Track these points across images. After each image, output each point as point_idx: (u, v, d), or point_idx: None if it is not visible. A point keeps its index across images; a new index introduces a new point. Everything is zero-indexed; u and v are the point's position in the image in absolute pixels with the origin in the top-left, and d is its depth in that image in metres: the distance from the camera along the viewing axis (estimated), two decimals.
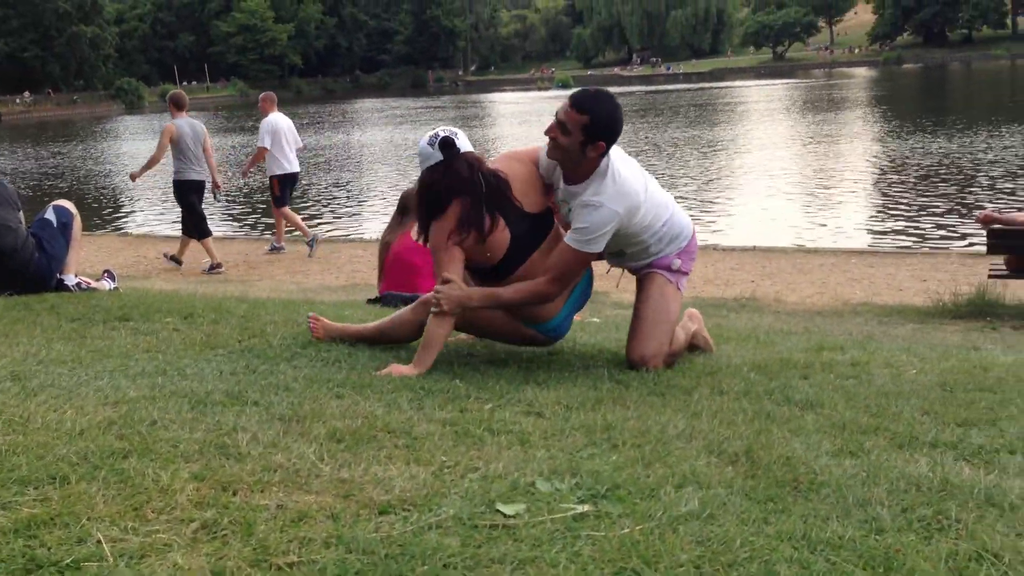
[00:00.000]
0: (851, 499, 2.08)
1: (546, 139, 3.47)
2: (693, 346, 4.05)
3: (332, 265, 10.88)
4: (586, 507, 1.95)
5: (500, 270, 3.50)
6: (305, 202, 17.73)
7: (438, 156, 3.44)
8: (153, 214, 17.52)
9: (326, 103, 70.24)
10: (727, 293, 8.69)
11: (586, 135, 3.33)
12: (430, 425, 2.61)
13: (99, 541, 1.67)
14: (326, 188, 19.76)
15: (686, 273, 3.78)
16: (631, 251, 3.68)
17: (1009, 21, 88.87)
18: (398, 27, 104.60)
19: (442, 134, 3.47)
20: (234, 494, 1.95)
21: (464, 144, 3.48)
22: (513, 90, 78.37)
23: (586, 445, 2.49)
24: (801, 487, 2.17)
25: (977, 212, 8.51)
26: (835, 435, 2.73)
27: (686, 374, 3.57)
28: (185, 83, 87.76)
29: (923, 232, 12.33)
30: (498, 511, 1.90)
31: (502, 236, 3.44)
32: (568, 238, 3.45)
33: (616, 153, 3.48)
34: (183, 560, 1.60)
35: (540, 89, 75.53)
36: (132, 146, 35.49)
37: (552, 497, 2.01)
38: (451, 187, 3.40)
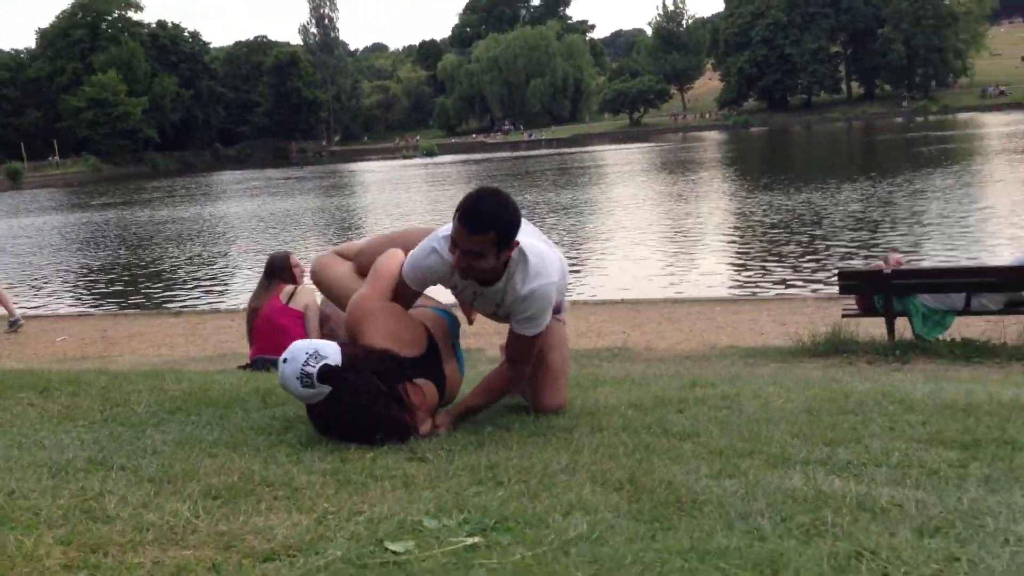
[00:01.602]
0: (733, 513, 2.13)
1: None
2: None
3: (198, 336, 10.54)
4: (476, 539, 1.93)
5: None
6: (166, 275, 17.17)
7: (324, 390, 2.96)
8: None
9: (185, 176, 68.65)
10: (599, 344, 8.84)
11: (500, 247, 3.02)
12: (311, 476, 2.54)
13: None
14: (188, 261, 19.22)
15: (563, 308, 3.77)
16: None
17: (843, 87, 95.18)
18: (258, 99, 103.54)
19: (313, 367, 2.94)
20: (105, 555, 1.84)
21: (332, 354, 2.99)
22: (378, 159, 78.49)
23: (471, 484, 2.47)
24: (685, 506, 2.21)
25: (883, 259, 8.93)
26: (713, 460, 2.79)
27: (565, 414, 3.58)
28: (33, 161, 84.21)
29: (780, 279, 12.91)
30: (387, 549, 1.86)
31: (429, 389, 3.22)
32: (522, 329, 3.21)
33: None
34: None
35: (405, 157, 75.89)
36: None
37: (440, 532, 1.98)
38: (371, 401, 2.99)
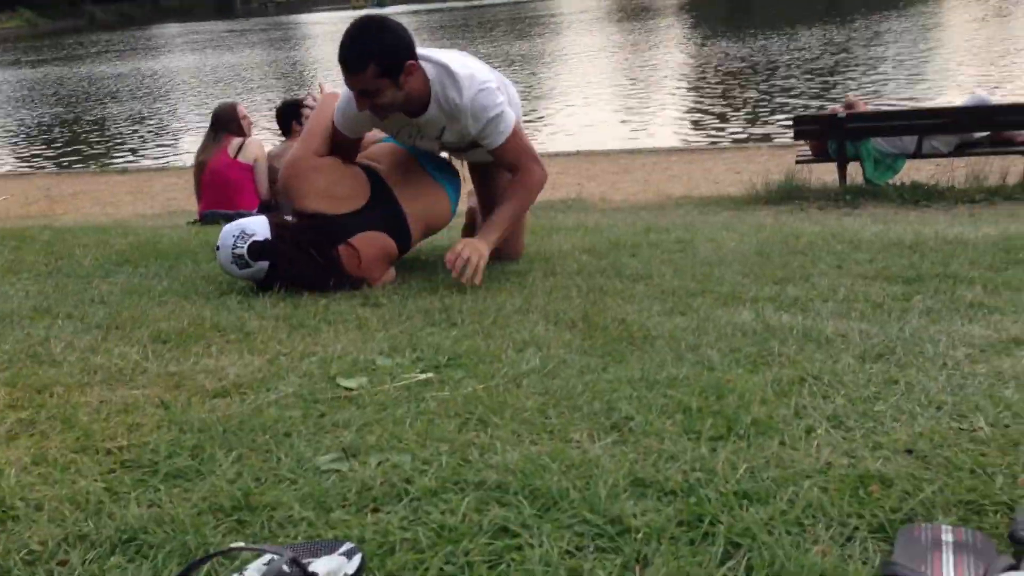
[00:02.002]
0: (683, 346, 2.16)
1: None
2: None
3: (145, 195, 10.32)
4: (429, 375, 1.94)
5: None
6: (109, 133, 16.66)
7: (263, 265, 2.93)
8: None
9: (124, 30, 65.72)
10: (554, 196, 8.79)
11: (391, 75, 2.85)
12: (263, 321, 2.52)
13: None
14: (131, 118, 18.61)
15: None
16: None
17: None
18: None
19: (242, 247, 2.90)
20: (50, 395, 1.83)
21: (260, 229, 2.95)
22: (328, 10, 75.60)
23: (425, 325, 2.47)
24: (636, 341, 2.23)
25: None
26: (665, 299, 2.82)
27: (520, 260, 3.59)
28: None
29: (737, 128, 12.85)
30: (339, 385, 1.86)
31: (380, 240, 3.11)
32: (496, 139, 3.02)
33: (423, 55, 2.99)
34: (1, 455, 1.48)
35: (355, 8, 73.09)
36: None
37: (393, 369, 1.99)
38: (309, 270, 2.96)
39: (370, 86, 2.85)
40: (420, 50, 3.03)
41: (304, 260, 2.97)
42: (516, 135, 3.06)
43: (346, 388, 1.85)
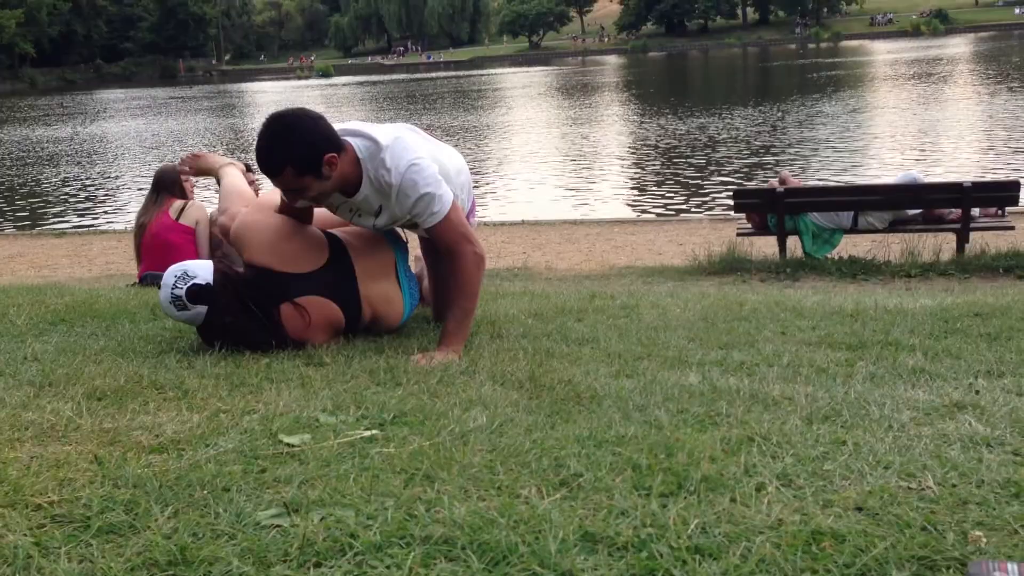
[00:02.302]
0: (631, 405, 2.15)
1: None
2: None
3: (84, 258, 10.13)
4: (374, 432, 1.90)
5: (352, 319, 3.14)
6: (46, 195, 16.38)
7: (202, 310, 2.88)
8: None
9: (65, 94, 65.21)
10: (500, 264, 8.84)
11: (311, 172, 2.80)
12: (203, 379, 2.46)
13: None
14: (71, 182, 18.35)
15: None
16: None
17: (739, 12, 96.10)
18: (142, 13, 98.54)
19: (181, 288, 2.87)
20: None
21: (203, 273, 2.91)
22: (272, 79, 76.01)
23: (370, 384, 2.43)
24: (583, 400, 2.22)
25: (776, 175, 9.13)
26: (611, 362, 2.82)
27: None
28: None
29: (676, 202, 13.10)
30: (281, 441, 1.81)
31: (326, 308, 3.04)
32: (431, 218, 2.95)
33: (352, 131, 2.97)
34: None
35: (300, 78, 73.74)
36: None
37: (337, 426, 1.95)
38: (246, 321, 2.91)
39: (292, 185, 2.83)
40: (353, 124, 3.01)
41: (244, 313, 2.91)
42: (450, 217, 2.97)
43: (288, 444, 1.80)
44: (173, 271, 2.94)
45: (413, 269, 3.67)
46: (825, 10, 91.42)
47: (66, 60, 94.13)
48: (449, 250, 3.05)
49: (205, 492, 1.50)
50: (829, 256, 7.59)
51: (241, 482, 1.56)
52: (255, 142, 2.86)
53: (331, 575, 1.21)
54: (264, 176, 2.91)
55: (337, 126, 3.00)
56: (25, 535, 1.34)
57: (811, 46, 72.94)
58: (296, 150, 2.77)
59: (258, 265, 3.00)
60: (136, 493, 1.49)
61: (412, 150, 2.95)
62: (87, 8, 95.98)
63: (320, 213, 3.29)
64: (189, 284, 2.86)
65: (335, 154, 2.81)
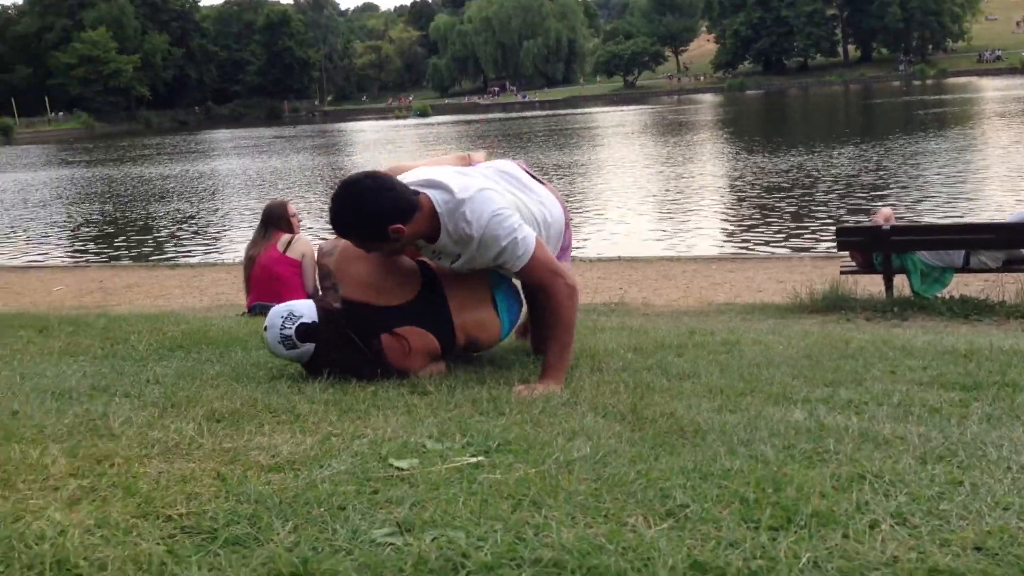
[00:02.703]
0: (735, 440, 2.14)
1: None
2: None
3: (195, 288, 10.53)
4: (480, 458, 1.93)
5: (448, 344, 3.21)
6: (161, 229, 17.11)
7: (310, 347, 2.98)
8: None
9: (178, 134, 68.15)
10: (596, 299, 8.84)
11: (375, 240, 2.94)
12: (313, 404, 2.54)
13: None
14: (186, 216, 19.12)
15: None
16: None
17: (840, 50, 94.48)
18: (250, 57, 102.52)
19: (290, 328, 2.97)
20: (111, 466, 1.84)
21: (307, 312, 3.02)
22: (371, 119, 78.00)
23: (473, 413, 2.47)
24: (687, 434, 2.22)
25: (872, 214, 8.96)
26: (713, 397, 2.80)
27: None
28: (24, 116, 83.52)
29: (776, 240, 12.90)
30: (391, 465, 1.86)
31: (423, 336, 3.11)
32: (517, 261, 3.00)
33: (431, 182, 3.02)
34: (62, 518, 1.49)
35: (398, 118, 75.44)
36: None
37: (444, 452, 1.99)
38: (348, 357, 3.01)
39: (364, 244, 2.99)
40: (433, 173, 3.07)
41: (348, 346, 3.01)
42: (536, 256, 3.01)
43: (398, 468, 1.84)
44: (279, 312, 3.04)
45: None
46: (930, 47, 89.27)
47: (179, 102, 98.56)
48: (541, 287, 3.11)
49: (322, 510, 1.55)
50: (939, 295, 7.36)
51: (355, 501, 1.61)
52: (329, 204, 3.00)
53: None
54: None
55: (416, 175, 3.09)
56: (158, 544, 1.41)
57: (916, 83, 71.26)
58: (360, 221, 2.90)
59: (356, 301, 3.09)
60: (258, 508, 1.55)
61: (492, 201, 2.99)
62: (199, 53, 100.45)
63: None
64: (297, 323, 2.97)
65: (401, 225, 2.89)
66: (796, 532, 1.48)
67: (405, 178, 3.07)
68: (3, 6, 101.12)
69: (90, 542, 1.41)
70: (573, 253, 3.74)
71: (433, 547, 1.39)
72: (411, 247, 3.17)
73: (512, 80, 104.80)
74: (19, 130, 77.26)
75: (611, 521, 1.54)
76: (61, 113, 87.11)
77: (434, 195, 2.98)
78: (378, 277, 3.14)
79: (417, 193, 2.96)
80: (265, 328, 3.03)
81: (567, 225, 3.49)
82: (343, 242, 3.34)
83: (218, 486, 1.68)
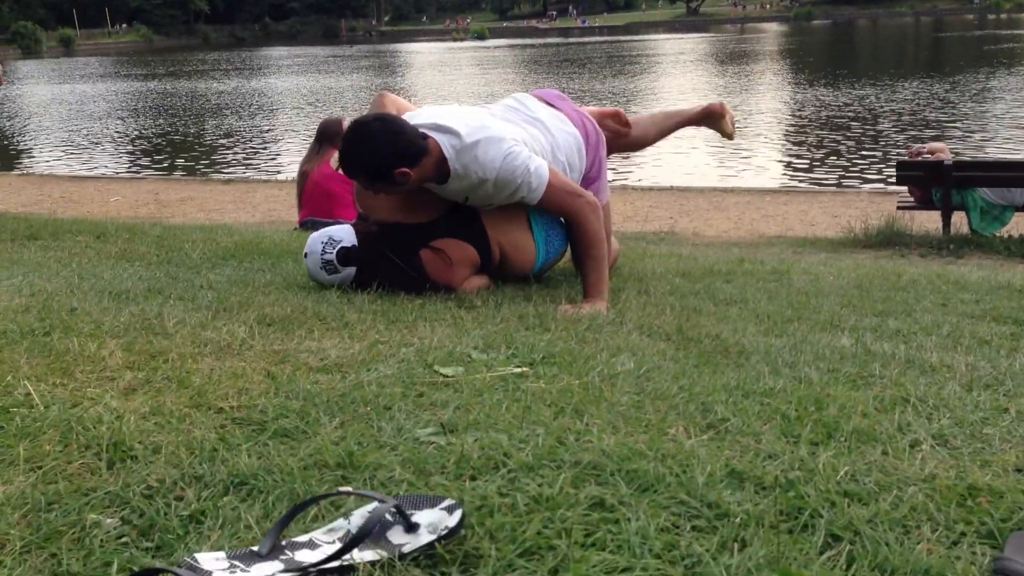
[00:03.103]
0: (780, 362, 2.14)
1: None
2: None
3: (248, 204, 10.65)
4: (524, 369, 1.96)
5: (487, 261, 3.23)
6: (221, 145, 17.27)
7: (351, 271, 3.03)
8: (54, 155, 16.83)
9: (235, 50, 68.20)
10: (646, 228, 8.79)
11: (381, 182, 2.96)
12: (362, 314, 2.58)
13: (28, 393, 1.61)
14: (239, 132, 19.26)
15: (604, 189, 3.51)
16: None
17: None
18: None
19: (331, 253, 3.01)
20: (165, 361, 1.90)
21: (346, 236, 3.06)
22: (428, 40, 77.24)
23: (519, 328, 2.49)
24: (731, 355, 2.22)
25: (907, 149, 8.75)
26: (760, 322, 2.79)
27: (612, 277, 3.59)
28: (84, 28, 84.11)
29: (834, 173, 12.65)
30: (436, 371, 1.90)
31: (460, 247, 3.12)
32: (534, 195, 3.03)
33: (438, 126, 3.01)
34: (119, 405, 1.55)
35: (455, 40, 74.58)
36: (27, 89, 33.94)
37: (489, 362, 2.01)
38: (394, 273, 3.04)
39: (366, 186, 3.03)
40: (440, 115, 3.05)
41: (389, 266, 3.04)
42: (552, 184, 3.02)
43: (443, 374, 1.88)
44: (318, 238, 3.08)
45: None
46: None
47: (237, 18, 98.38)
48: (563, 211, 3.15)
49: (368, 408, 1.59)
50: (998, 234, 7.19)
51: (400, 403, 1.64)
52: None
53: (485, 488, 1.27)
54: None
55: (424, 117, 3.07)
56: (210, 432, 1.47)
57: (990, 17, 68.52)
58: (367, 161, 2.93)
59: (388, 222, 3.12)
60: (306, 405, 1.60)
61: (501, 141, 2.98)
62: None
63: None
64: (338, 248, 3.01)
65: (407, 169, 2.91)
66: (835, 447, 1.49)
67: (413, 119, 3.07)
68: None
69: (145, 427, 1.47)
70: (623, 181, 3.72)
71: (475, 447, 1.42)
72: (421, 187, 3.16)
73: (574, 3, 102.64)
74: (80, 42, 77.94)
75: (651, 430, 1.55)
76: (123, 26, 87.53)
77: (442, 139, 2.98)
78: (402, 199, 3.15)
79: (426, 137, 2.97)
80: (305, 255, 3.07)
81: (594, 146, 3.41)
82: None
83: (268, 383, 1.73)
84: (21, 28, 72.52)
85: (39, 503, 1.22)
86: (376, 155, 2.91)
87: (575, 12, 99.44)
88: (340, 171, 6.30)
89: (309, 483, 1.28)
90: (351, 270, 3.03)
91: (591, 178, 3.41)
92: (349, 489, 1.21)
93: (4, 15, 75.84)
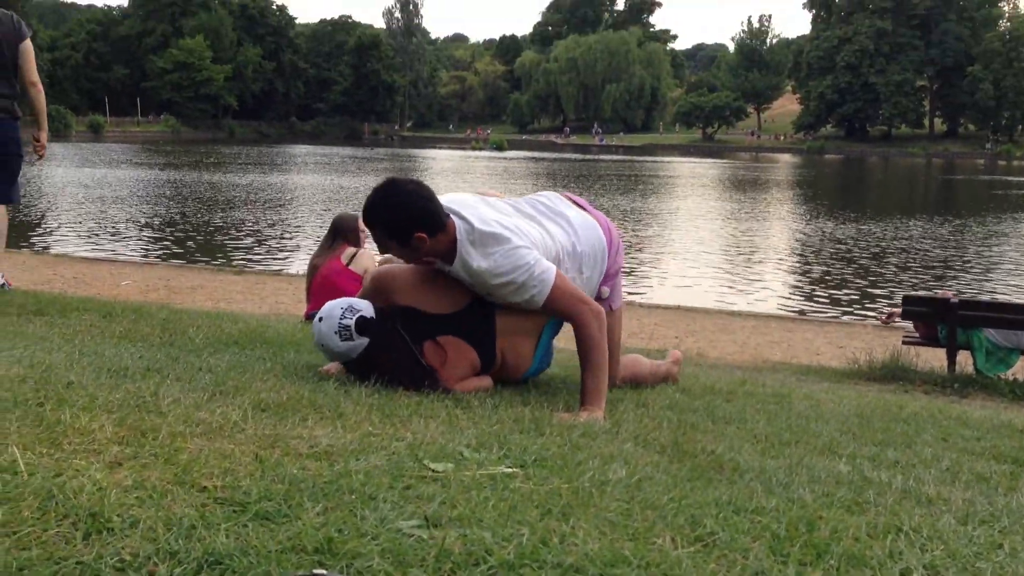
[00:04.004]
0: (774, 481, 2.11)
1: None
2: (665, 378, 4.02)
3: (256, 296, 10.73)
4: (515, 470, 1.94)
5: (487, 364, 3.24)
6: (234, 236, 17.49)
7: (363, 341, 3.03)
8: (69, 236, 17.05)
9: (259, 146, 69.76)
10: (651, 345, 8.79)
11: (397, 240, 3.04)
12: (357, 406, 2.57)
13: (14, 460, 1.59)
14: (253, 224, 19.53)
15: (617, 295, 3.58)
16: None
17: (926, 122, 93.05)
18: (337, 77, 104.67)
19: (350, 319, 3.03)
20: (154, 439, 1.89)
21: (366, 308, 3.08)
22: (448, 148, 78.93)
23: (514, 430, 2.48)
24: (726, 471, 2.20)
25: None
26: (757, 442, 2.78)
27: (610, 390, 3.57)
28: (115, 116, 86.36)
29: (839, 305, 12.70)
30: (425, 465, 1.88)
31: (462, 348, 3.15)
32: (535, 299, 3.07)
33: (458, 212, 3.10)
34: (102, 478, 1.53)
35: (475, 149, 76.14)
36: (48, 170, 34.61)
37: (480, 461, 2.00)
38: (401, 354, 3.05)
39: (379, 241, 3.12)
40: (465, 202, 3.16)
41: (399, 346, 3.04)
42: (557, 286, 3.05)
43: (432, 469, 1.86)
44: (339, 304, 3.10)
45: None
46: (1020, 127, 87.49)
47: (264, 114, 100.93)
48: (567, 317, 3.16)
49: (353, 497, 1.58)
50: (1003, 376, 7.17)
51: (386, 493, 1.63)
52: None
53: None
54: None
55: (452, 198, 3.18)
56: (191, 509, 1.45)
57: (1001, 163, 69.83)
58: (391, 217, 3.01)
59: (407, 305, 3.15)
60: (291, 489, 1.58)
61: (508, 239, 3.03)
62: (289, 69, 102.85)
63: None
64: (357, 316, 3.02)
65: (425, 235, 3.00)
66: (824, 569, 1.46)
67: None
68: (108, 7, 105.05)
69: (126, 501, 1.45)
70: (632, 298, 3.78)
71: (458, 541, 1.40)
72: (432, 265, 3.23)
73: (592, 121, 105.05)
74: (109, 128, 79.87)
75: (638, 538, 1.53)
76: (151, 116, 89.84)
77: (458, 223, 3.07)
78: (426, 285, 3.19)
79: (448, 216, 3.06)
80: (320, 319, 3.07)
81: (615, 252, 3.46)
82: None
83: (255, 465, 1.72)
84: (52, 112, 74.25)
85: (10, 568, 1.20)
86: (403, 212, 3.00)
87: (599, 130, 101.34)
88: (348, 266, 6.30)
89: (285, 567, 1.26)
90: (363, 341, 3.01)
91: (610, 274, 3.46)
92: (323, 573, 1.18)
93: None
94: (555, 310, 3.15)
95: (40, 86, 5.26)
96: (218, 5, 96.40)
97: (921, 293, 11.85)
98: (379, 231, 3.07)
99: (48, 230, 18.19)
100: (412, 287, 3.19)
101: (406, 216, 3.00)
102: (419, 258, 3.12)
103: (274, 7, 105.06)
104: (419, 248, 3.03)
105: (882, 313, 9.45)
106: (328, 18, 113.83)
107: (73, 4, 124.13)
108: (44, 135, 5.38)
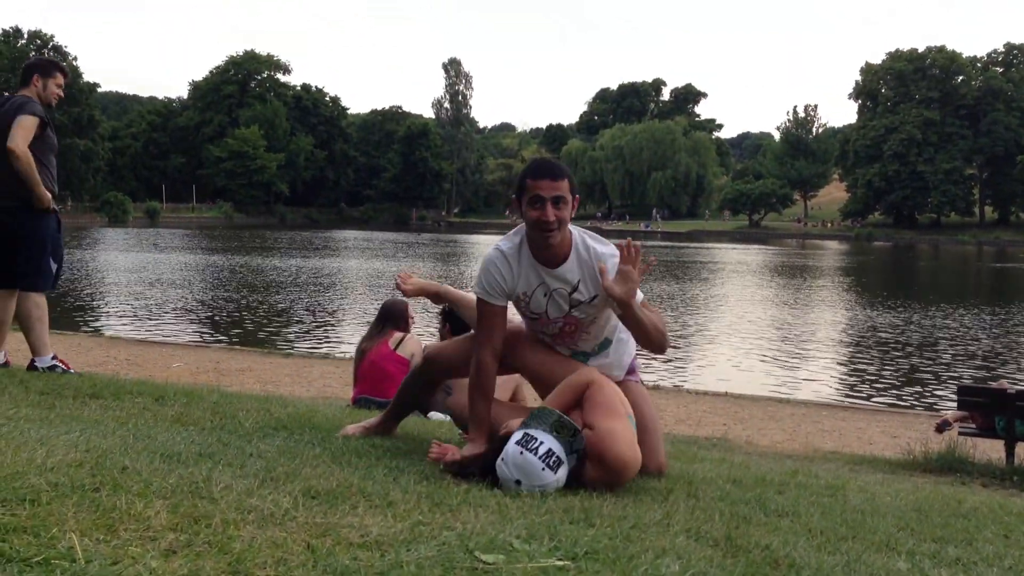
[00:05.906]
0: None
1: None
2: None
3: (304, 379, 10.80)
4: (566, 563, 1.92)
5: None
6: (283, 319, 17.73)
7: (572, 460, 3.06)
8: (123, 319, 17.40)
9: (308, 230, 71.09)
10: (699, 432, 8.67)
11: (573, 194, 3.33)
12: (406, 494, 2.57)
13: (72, 547, 1.62)
14: (302, 307, 19.80)
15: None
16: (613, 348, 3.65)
17: (976, 210, 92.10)
18: (386, 165, 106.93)
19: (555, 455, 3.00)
20: (207, 525, 1.90)
21: (557, 448, 3.02)
22: (494, 233, 79.63)
23: (564, 521, 2.45)
24: (781, 567, 2.15)
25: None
26: (812, 537, 2.71)
27: (661, 479, 3.54)
28: (171, 202, 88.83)
29: (889, 393, 12.46)
30: (477, 557, 1.87)
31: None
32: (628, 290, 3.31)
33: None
34: (158, 566, 1.55)
35: None
36: (108, 256, 35.50)
37: (531, 553, 1.98)
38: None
39: (563, 194, 3.26)
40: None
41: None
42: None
43: (483, 561, 1.85)
44: (530, 454, 2.96)
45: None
46: None
47: (314, 200, 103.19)
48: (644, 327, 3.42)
49: None
50: None
51: None
52: (533, 162, 3.41)
53: None
54: (541, 180, 3.28)
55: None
56: None
57: None
58: (567, 173, 3.34)
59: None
60: None
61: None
62: (340, 157, 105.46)
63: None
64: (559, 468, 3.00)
65: (575, 199, 3.34)
66: None
67: None
68: (168, 98, 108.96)
69: None
70: (678, 383, 3.88)
71: None
72: (526, 278, 3.43)
73: (635, 210, 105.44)
74: (164, 214, 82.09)
75: None
76: (206, 202, 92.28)
77: (574, 231, 3.45)
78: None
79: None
80: (517, 482, 2.92)
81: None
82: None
83: (307, 555, 1.72)
84: (111, 198, 76.70)
85: None
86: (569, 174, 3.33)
87: (658, 216, 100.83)
88: (395, 350, 6.33)
89: None
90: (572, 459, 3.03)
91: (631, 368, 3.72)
92: None
93: (98, 185, 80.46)
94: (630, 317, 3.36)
95: (17, 152, 5.12)
96: (273, 97, 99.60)
97: (975, 383, 11.59)
98: (567, 182, 3.27)
99: (103, 313, 18.61)
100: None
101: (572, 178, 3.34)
102: (564, 223, 3.30)
103: (327, 99, 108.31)
104: (568, 206, 3.29)
105: (938, 417, 9.24)
106: (379, 108, 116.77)
107: (135, 96, 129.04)
108: (34, 198, 5.27)
